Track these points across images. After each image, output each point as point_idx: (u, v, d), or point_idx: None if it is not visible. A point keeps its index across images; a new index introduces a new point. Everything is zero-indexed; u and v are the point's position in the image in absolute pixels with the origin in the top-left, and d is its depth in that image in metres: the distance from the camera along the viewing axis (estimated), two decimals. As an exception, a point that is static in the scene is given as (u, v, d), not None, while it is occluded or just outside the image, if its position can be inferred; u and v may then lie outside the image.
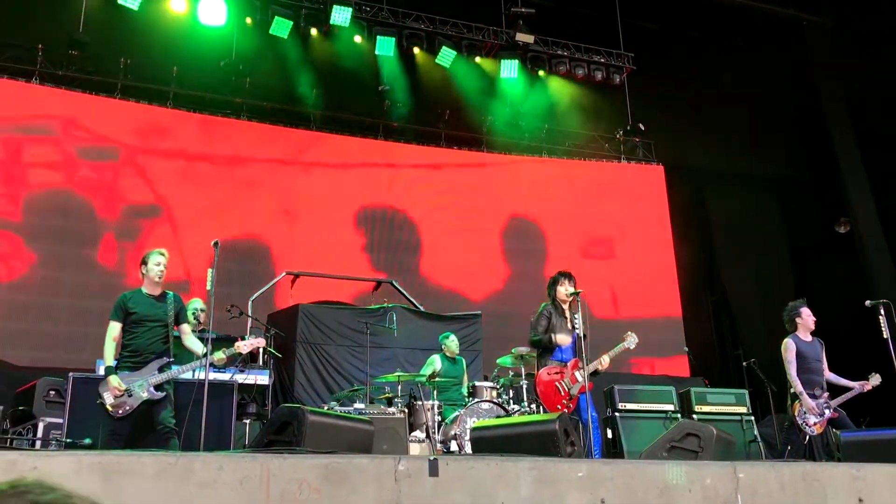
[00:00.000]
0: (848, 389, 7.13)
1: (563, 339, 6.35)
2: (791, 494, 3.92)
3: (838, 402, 7.03)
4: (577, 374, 6.26)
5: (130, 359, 5.46)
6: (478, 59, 13.32)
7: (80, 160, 11.00)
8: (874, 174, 13.55)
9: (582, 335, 6.37)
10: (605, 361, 6.38)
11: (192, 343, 5.72)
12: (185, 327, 5.78)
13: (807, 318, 7.22)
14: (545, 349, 6.45)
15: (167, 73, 12.01)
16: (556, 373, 6.32)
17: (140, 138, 11.50)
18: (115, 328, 5.52)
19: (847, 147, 13.74)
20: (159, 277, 5.65)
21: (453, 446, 7.25)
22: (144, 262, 5.68)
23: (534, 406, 7.40)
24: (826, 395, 7.02)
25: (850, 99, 13.96)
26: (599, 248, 13.69)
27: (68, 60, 11.42)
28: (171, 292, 5.78)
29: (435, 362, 8.33)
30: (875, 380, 7.19)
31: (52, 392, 7.16)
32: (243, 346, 5.73)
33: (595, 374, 6.36)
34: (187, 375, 5.82)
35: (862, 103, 13.85)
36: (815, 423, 6.89)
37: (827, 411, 6.92)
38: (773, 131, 14.73)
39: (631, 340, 6.55)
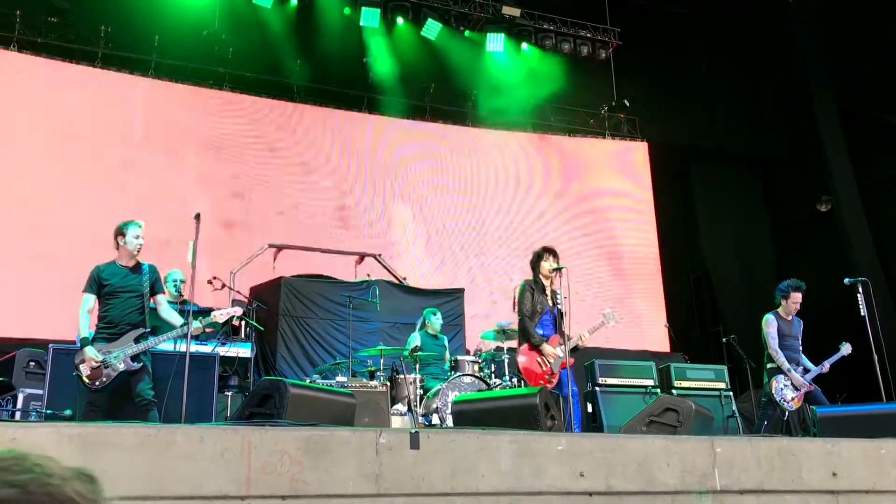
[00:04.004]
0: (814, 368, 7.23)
1: (550, 350, 6.30)
2: (767, 468, 3.98)
3: (809, 377, 7.13)
4: (557, 350, 6.28)
5: (106, 330, 5.42)
6: (464, 32, 13.22)
7: (55, 125, 10.84)
8: (857, 153, 13.63)
9: (563, 311, 6.41)
10: (585, 337, 6.43)
11: (169, 314, 5.67)
12: (161, 298, 5.72)
13: (791, 304, 7.27)
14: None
15: (149, 42, 11.83)
16: (536, 350, 6.34)
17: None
18: (88, 300, 5.47)
19: (830, 125, 13.79)
20: (137, 251, 5.58)
21: (435, 420, 7.28)
22: (122, 233, 5.56)
23: (515, 380, 7.44)
24: (801, 369, 7.13)
25: (834, 77, 13.99)
26: (582, 223, 13.71)
27: (47, 27, 11.22)
28: (147, 263, 5.70)
29: (415, 340, 8.31)
30: (845, 349, 7.30)
31: (32, 363, 7.12)
32: (219, 315, 5.70)
33: (575, 349, 6.39)
34: (169, 347, 5.80)
35: (846, 82, 13.89)
36: (792, 399, 6.99)
37: (803, 387, 7.02)
38: (757, 109, 14.76)
39: (610, 316, 6.64)
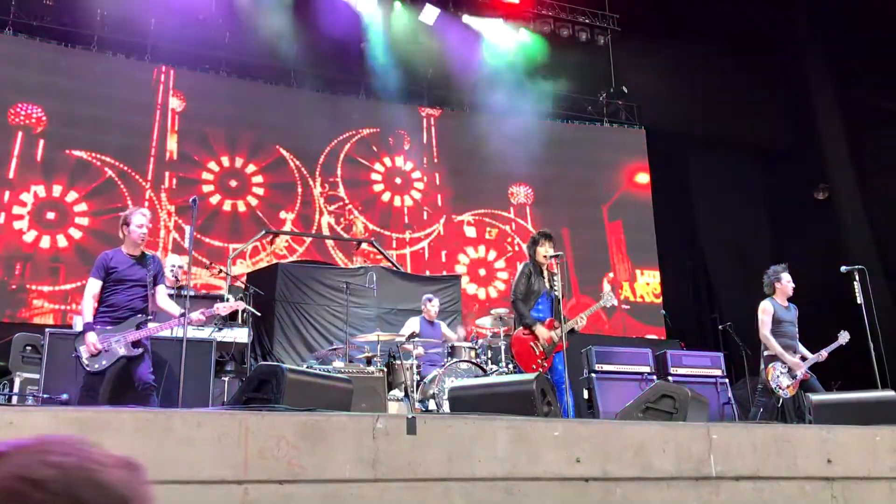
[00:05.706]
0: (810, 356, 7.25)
1: (543, 333, 6.28)
2: (763, 455, 3.99)
3: (805, 365, 7.15)
4: (552, 333, 6.26)
5: (109, 314, 5.44)
6: (462, 17, 13.15)
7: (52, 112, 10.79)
8: (854, 141, 13.61)
9: (559, 297, 6.39)
10: (581, 320, 6.42)
11: (166, 303, 5.70)
12: (161, 289, 5.75)
13: (786, 284, 7.29)
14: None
15: (145, 26, 11.74)
16: (530, 333, 6.32)
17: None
18: (95, 286, 5.49)
19: (829, 113, 13.78)
20: (142, 240, 5.61)
21: (431, 405, 7.30)
22: (126, 223, 5.59)
23: (511, 366, 7.44)
24: (798, 357, 7.14)
25: (832, 65, 13.95)
26: (580, 209, 13.70)
27: (43, 11, 11.13)
28: (150, 253, 5.76)
29: (413, 324, 8.33)
30: (843, 338, 7.31)
31: (29, 347, 7.11)
32: (223, 309, 5.75)
33: (571, 332, 6.38)
34: (166, 333, 5.81)
35: (845, 70, 13.86)
36: (787, 386, 7.00)
37: (799, 373, 7.04)
38: (755, 96, 14.72)
39: (607, 299, 6.63)
